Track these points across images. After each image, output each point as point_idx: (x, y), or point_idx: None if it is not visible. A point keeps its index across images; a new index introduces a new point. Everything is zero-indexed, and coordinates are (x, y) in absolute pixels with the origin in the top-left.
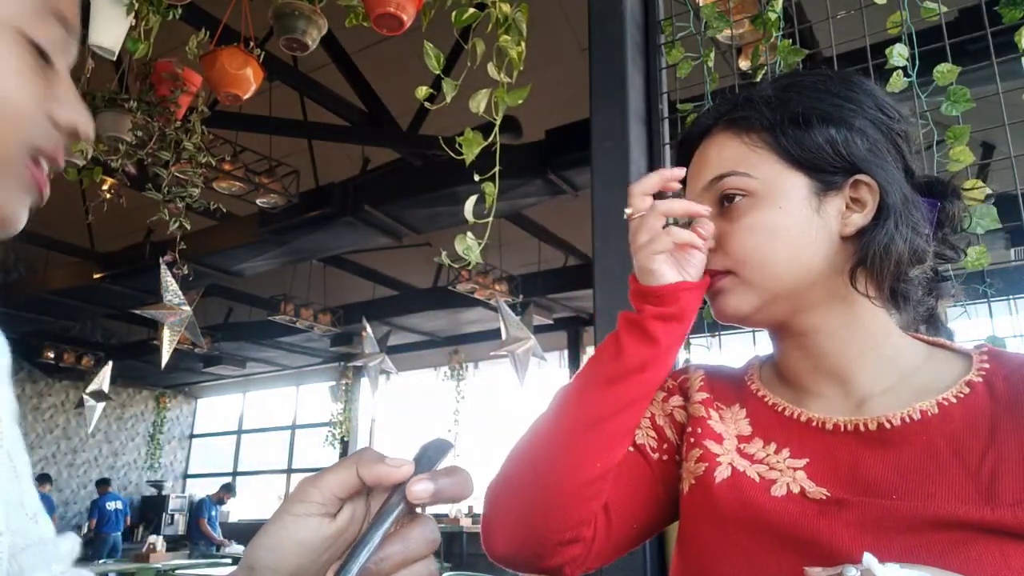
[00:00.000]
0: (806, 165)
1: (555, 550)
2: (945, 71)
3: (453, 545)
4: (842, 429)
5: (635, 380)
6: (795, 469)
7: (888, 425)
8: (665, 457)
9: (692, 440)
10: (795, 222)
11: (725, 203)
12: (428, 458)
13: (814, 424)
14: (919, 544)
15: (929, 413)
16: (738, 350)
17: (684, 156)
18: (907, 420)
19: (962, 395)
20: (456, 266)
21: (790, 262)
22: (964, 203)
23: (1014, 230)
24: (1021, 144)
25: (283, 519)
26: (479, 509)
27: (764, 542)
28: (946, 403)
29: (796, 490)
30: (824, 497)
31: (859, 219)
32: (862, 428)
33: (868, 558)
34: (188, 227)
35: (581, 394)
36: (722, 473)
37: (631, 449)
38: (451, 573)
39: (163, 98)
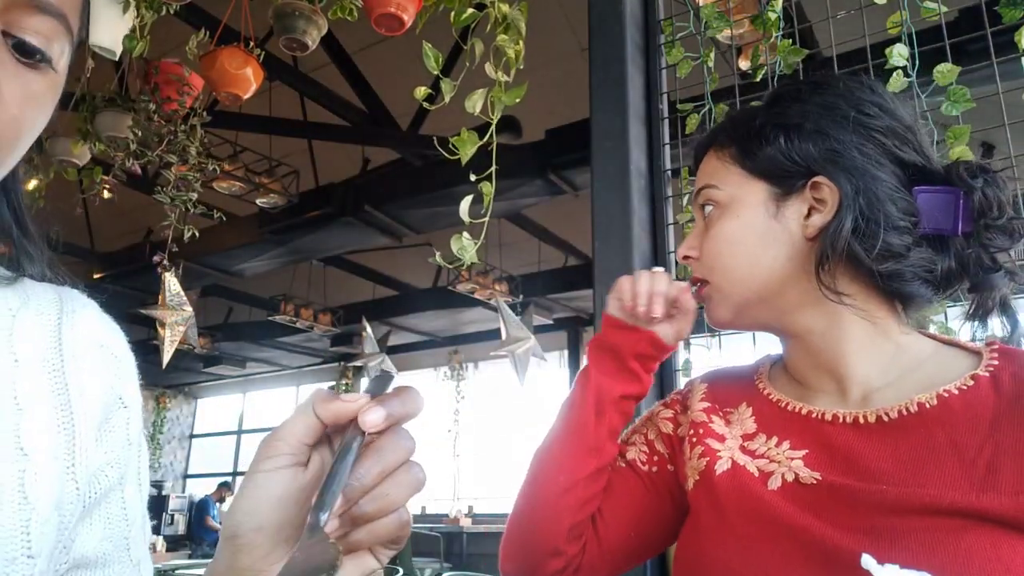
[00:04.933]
0: (763, 173)
1: (542, 562)
2: (945, 71)
3: (453, 545)
4: (840, 420)
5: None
6: (792, 459)
7: (886, 418)
8: (655, 468)
9: (694, 440)
10: (752, 229)
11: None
12: (377, 390)
13: (814, 416)
14: (909, 529)
15: (927, 405)
16: (738, 350)
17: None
18: (904, 413)
19: (964, 388)
20: (451, 266)
21: (750, 268)
22: (1004, 186)
23: None
24: (1021, 144)
25: (255, 479)
26: (479, 509)
27: (761, 532)
28: (946, 395)
29: (790, 478)
30: (815, 481)
31: (819, 220)
32: (861, 420)
33: (867, 559)
34: (196, 234)
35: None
36: (722, 466)
37: (622, 464)
38: (451, 573)
39: (168, 99)
